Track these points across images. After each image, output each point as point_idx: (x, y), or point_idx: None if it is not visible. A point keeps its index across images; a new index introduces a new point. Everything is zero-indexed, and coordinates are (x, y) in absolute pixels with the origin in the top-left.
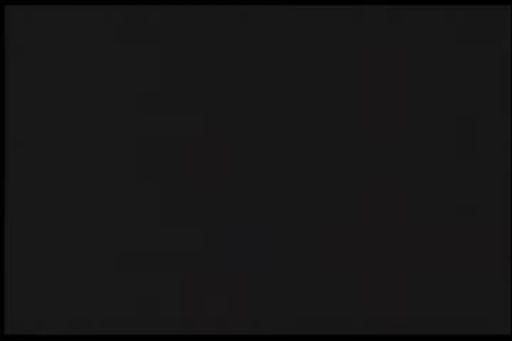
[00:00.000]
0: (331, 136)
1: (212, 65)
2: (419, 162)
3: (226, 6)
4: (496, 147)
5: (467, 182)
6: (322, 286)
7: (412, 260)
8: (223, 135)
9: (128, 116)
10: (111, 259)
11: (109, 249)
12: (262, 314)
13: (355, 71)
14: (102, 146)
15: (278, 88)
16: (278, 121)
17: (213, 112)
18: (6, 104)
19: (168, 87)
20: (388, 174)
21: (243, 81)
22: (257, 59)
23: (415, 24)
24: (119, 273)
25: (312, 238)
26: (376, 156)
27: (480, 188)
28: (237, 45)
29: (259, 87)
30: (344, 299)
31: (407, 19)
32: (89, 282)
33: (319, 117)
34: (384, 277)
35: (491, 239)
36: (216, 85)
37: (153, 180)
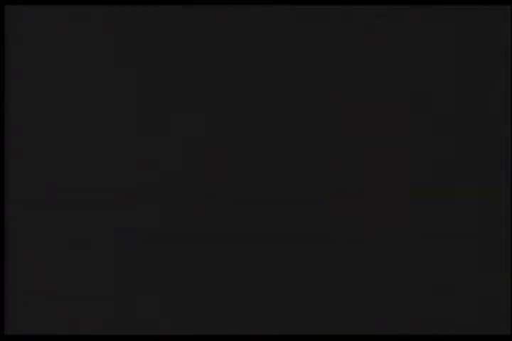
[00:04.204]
0: (331, 136)
1: (212, 66)
2: (419, 163)
3: (225, 6)
4: (496, 146)
5: (468, 183)
6: (322, 286)
7: (411, 259)
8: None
9: (128, 118)
10: (111, 259)
11: (109, 248)
12: (262, 314)
13: (355, 71)
14: (102, 147)
15: (278, 88)
16: (277, 122)
17: (212, 113)
18: (6, 104)
19: (169, 87)
20: (388, 174)
21: (243, 81)
22: (256, 59)
23: (415, 24)
24: (120, 273)
25: (311, 238)
26: (376, 156)
27: (481, 188)
28: (237, 45)
29: (259, 87)
30: (344, 299)
31: (407, 19)
32: (90, 282)
33: (319, 118)
34: (384, 276)
35: (491, 238)
36: (216, 86)
37: (155, 184)
